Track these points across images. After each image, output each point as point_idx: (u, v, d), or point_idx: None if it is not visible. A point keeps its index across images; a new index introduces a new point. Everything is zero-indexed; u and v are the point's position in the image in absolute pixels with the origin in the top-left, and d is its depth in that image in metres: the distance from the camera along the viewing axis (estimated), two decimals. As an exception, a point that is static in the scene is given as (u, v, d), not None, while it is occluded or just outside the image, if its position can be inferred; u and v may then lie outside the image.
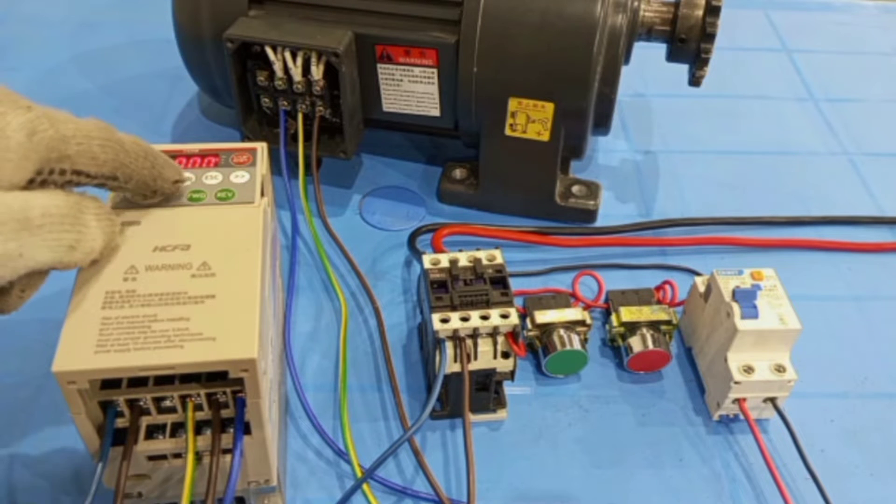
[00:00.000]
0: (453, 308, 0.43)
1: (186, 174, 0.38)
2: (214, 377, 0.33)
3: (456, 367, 0.43)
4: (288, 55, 0.51)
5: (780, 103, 0.73)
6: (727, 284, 0.46)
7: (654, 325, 0.48)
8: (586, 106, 0.52)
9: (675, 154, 0.66)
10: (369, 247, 0.56)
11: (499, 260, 0.46)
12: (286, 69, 0.52)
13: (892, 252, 0.58)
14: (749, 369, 0.44)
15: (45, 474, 0.42)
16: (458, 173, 0.60)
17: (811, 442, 0.46)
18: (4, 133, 0.29)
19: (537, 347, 0.49)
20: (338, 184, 0.61)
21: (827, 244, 0.58)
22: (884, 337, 0.53)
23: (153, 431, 0.34)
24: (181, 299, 0.33)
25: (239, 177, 0.39)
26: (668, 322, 0.49)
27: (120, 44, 0.75)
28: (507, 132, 0.54)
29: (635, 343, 0.48)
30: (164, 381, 0.33)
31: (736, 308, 0.44)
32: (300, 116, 0.54)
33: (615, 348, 0.50)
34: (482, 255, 0.46)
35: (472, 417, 0.46)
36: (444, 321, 0.42)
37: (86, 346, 0.31)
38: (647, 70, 0.66)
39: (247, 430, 0.34)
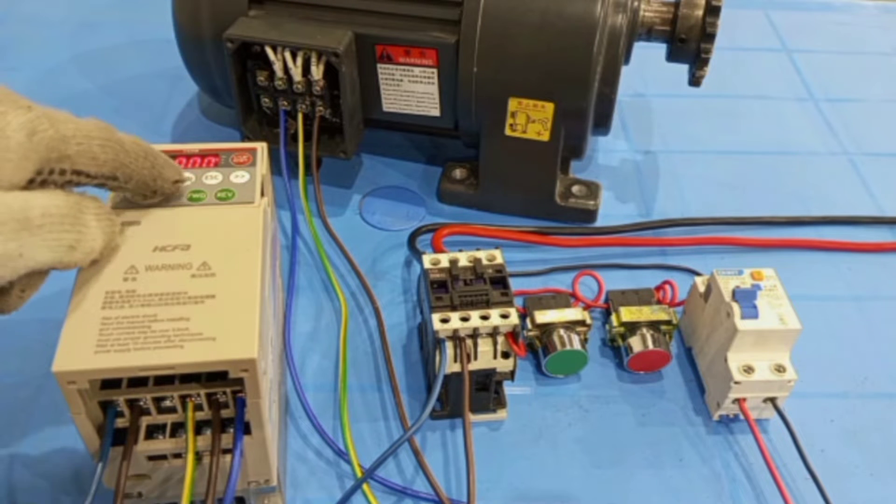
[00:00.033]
0: (453, 308, 0.43)
1: (186, 174, 0.38)
2: (214, 377, 0.33)
3: (456, 367, 0.43)
4: (288, 55, 0.51)
5: (780, 103, 0.73)
6: (727, 284, 0.46)
7: (654, 325, 0.48)
8: (586, 106, 0.52)
9: (675, 154, 0.66)
10: (369, 247, 0.56)
11: (499, 260, 0.46)
12: (286, 69, 0.52)
13: (892, 252, 0.58)
14: (749, 369, 0.44)
15: (45, 474, 0.42)
16: (458, 173, 0.60)
17: (811, 442, 0.46)
18: (4, 133, 0.29)
19: (537, 347, 0.49)
20: (338, 184, 0.61)
21: (827, 244, 0.58)
22: (884, 337, 0.53)
23: (153, 431, 0.34)
24: (181, 299, 0.33)
25: (239, 177, 0.39)
26: (668, 322, 0.49)
27: (120, 44, 0.75)
28: (507, 132, 0.54)
29: (635, 343, 0.48)
30: (164, 381, 0.33)
31: (736, 308, 0.44)
32: (300, 116, 0.54)
33: (615, 348, 0.50)
34: (482, 255, 0.46)
35: (472, 417, 0.46)
36: (444, 321, 0.42)
37: (86, 346, 0.31)
38: (647, 70, 0.66)
39: (247, 430, 0.34)
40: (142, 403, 0.33)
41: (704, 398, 0.48)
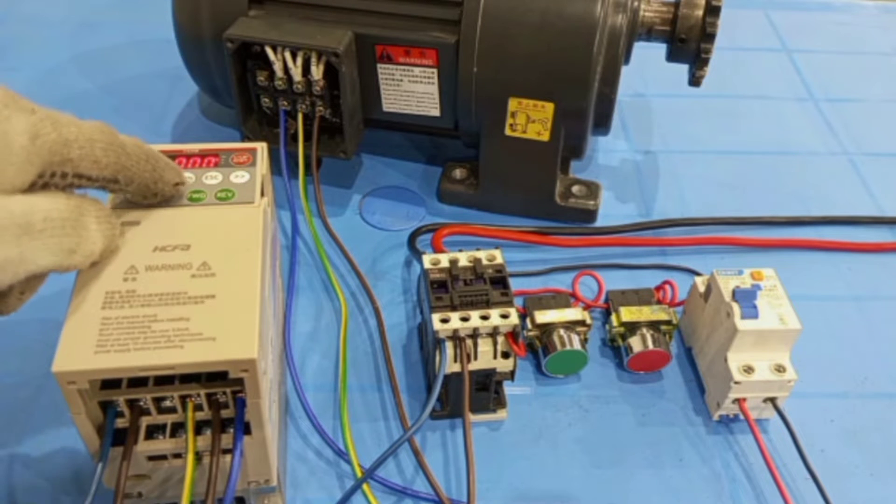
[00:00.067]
0: (453, 308, 0.43)
1: (186, 174, 0.38)
2: (214, 377, 0.33)
3: (456, 367, 0.43)
4: (288, 55, 0.51)
5: (780, 103, 0.73)
6: (727, 284, 0.46)
7: (654, 325, 0.48)
8: (586, 106, 0.52)
9: (675, 154, 0.66)
10: (369, 247, 0.56)
11: (499, 260, 0.46)
12: (286, 69, 0.52)
13: (892, 252, 0.58)
14: (749, 369, 0.44)
15: (45, 474, 0.42)
16: (458, 173, 0.60)
17: (811, 442, 0.46)
18: (8, 137, 0.29)
19: (537, 347, 0.49)
20: (338, 184, 0.61)
21: (827, 244, 0.58)
22: (884, 337, 0.53)
23: (153, 431, 0.34)
24: (181, 299, 0.33)
25: (239, 177, 0.39)
26: (668, 322, 0.49)
27: (120, 44, 0.75)
28: (507, 132, 0.54)
29: (635, 343, 0.48)
30: (164, 381, 0.33)
31: (736, 308, 0.44)
32: (300, 116, 0.54)
33: (615, 348, 0.50)
34: (482, 255, 0.46)
35: (472, 417, 0.46)
36: (444, 321, 0.42)
37: (86, 346, 0.31)
38: (647, 70, 0.66)
39: (247, 430, 0.34)
40: (142, 403, 0.33)
41: (704, 398, 0.48)
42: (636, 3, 0.54)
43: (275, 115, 0.55)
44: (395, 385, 0.48)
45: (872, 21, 0.84)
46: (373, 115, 0.57)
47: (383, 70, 0.54)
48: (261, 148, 0.41)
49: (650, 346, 0.48)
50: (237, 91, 0.54)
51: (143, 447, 0.33)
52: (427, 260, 0.46)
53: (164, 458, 0.35)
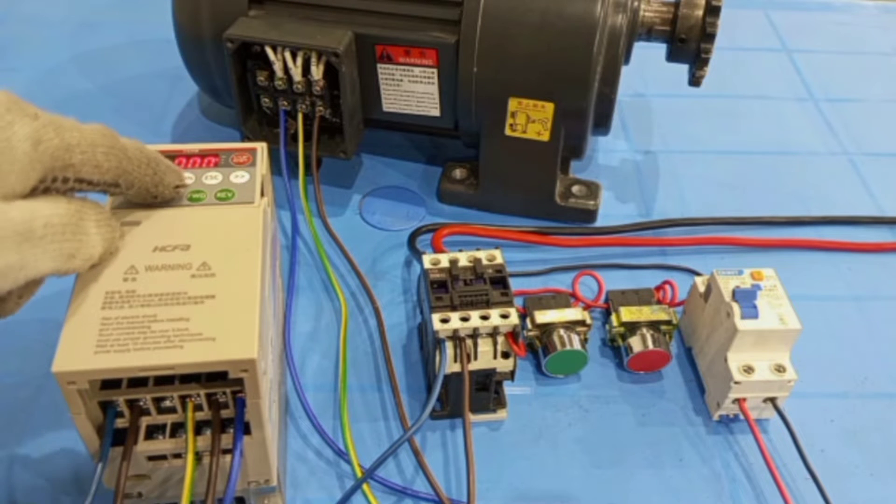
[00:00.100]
0: (453, 308, 0.43)
1: (186, 174, 0.38)
2: (214, 377, 0.33)
3: (456, 367, 0.43)
4: (288, 55, 0.51)
5: (780, 103, 0.72)
6: (727, 284, 0.46)
7: (654, 325, 0.48)
8: (586, 106, 0.52)
9: (675, 154, 0.66)
10: (369, 247, 0.56)
11: (499, 260, 0.46)
12: (286, 69, 0.52)
13: (892, 252, 0.58)
14: (749, 369, 0.44)
15: (45, 474, 0.42)
16: (458, 173, 0.60)
17: (811, 442, 0.46)
18: (10, 143, 0.29)
19: (537, 347, 0.49)
20: (338, 184, 0.61)
21: (827, 244, 0.58)
22: (884, 337, 0.53)
23: (153, 432, 0.34)
24: (181, 299, 0.33)
25: (239, 177, 0.39)
26: (668, 322, 0.49)
27: (120, 44, 0.75)
28: (507, 132, 0.54)
29: (635, 343, 0.48)
30: (164, 381, 0.33)
31: (736, 308, 0.44)
32: (300, 116, 0.54)
33: (615, 348, 0.50)
34: (482, 255, 0.46)
35: (472, 417, 0.46)
36: (444, 321, 0.42)
37: (86, 346, 0.31)
38: (647, 70, 0.66)
39: (247, 430, 0.34)
40: (142, 404, 0.33)
41: (704, 398, 0.48)
42: (636, 3, 0.54)
43: (275, 115, 0.55)
44: (395, 385, 0.48)
45: (872, 21, 0.84)
46: (373, 115, 0.57)
47: (383, 70, 0.54)
48: (261, 148, 0.41)
49: (650, 346, 0.48)
50: (237, 91, 0.54)
51: (143, 447, 0.33)
52: (427, 260, 0.46)
53: (163, 458, 0.35)
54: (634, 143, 0.67)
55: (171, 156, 0.39)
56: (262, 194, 0.39)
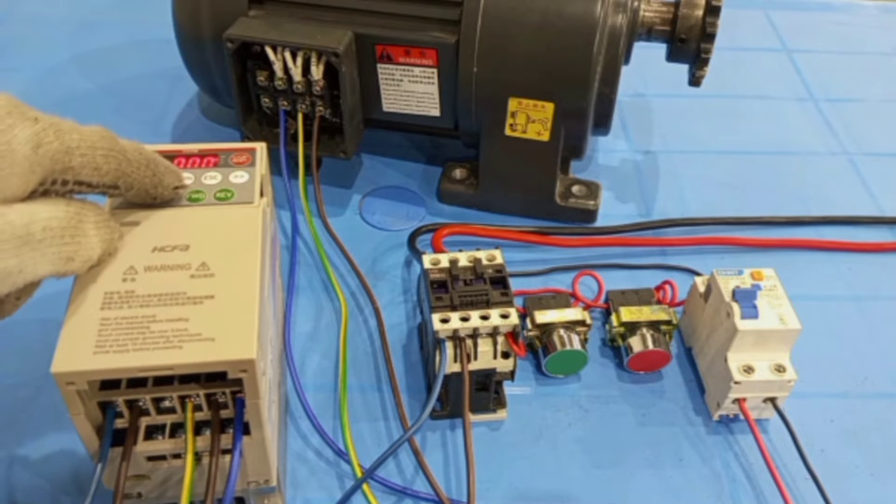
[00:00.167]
0: (453, 308, 0.43)
1: (185, 174, 0.38)
2: (214, 377, 0.33)
3: (456, 367, 0.42)
4: (288, 55, 0.51)
5: (780, 103, 0.72)
6: (727, 284, 0.46)
7: (654, 325, 0.48)
8: (586, 106, 0.52)
9: (675, 154, 0.66)
10: (369, 247, 0.56)
11: (499, 260, 0.46)
12: (286, 69, 0.52)
13: (892, 252, 0.58)
14: (749, 369, 0.44)
15: (45, 475, 0.42)
16: (458, 173, 0.60)
17: (811, 442, 0.46)
18: (11, 146, 0.29)
19: (537, 347, 0.49)
20: (338, 184, 0.61)
21: (827, 244, 0.58)
22: (884, 337, 0.53)
23: (152, 432, 0.34)
24: (180, 300, 0.33)
25: (238, 177, 0.39)
26: (668, 322, 0.49)
27: (120, 44, 0.75)
28: (507, 132, 0.54)
29: (635, 343, 0.48)
30: (164, 381, 0.32)
31: (736, 308, 0.44)
32: (300, 116, 0.54)
33: (615, 348, 0.50)
34: (482, 255, 0.46)
35: (472, 417, 0.46)
36: (444, 321, 0.42)
37: (85, 346, 0.31)
38: (647, 70, 0.66)
39: (246, 430, 0.34)
40: (141, 404, 0.33)
41: (704, 398, 0.48)
42: (636, 3, 0.54)
43: (275, 115, 0.55)
44: (395, 385, 0.48)
45: (872, 21, 0.84)
46: (373, 115, 0.57)
47: (383, 70, 0.54)
48: (260, 148, 0.41)
49: (650, 346, 0.48)
50: (237, 91, 0.54)
51: (143, 447, 0.33)
52: (427, 260, 0.46)
53: (163, 458, 0.35)
54: (634, 143, 0.67)
55: (171, 156, 0.39)
56: (262, 194, 0.39)
